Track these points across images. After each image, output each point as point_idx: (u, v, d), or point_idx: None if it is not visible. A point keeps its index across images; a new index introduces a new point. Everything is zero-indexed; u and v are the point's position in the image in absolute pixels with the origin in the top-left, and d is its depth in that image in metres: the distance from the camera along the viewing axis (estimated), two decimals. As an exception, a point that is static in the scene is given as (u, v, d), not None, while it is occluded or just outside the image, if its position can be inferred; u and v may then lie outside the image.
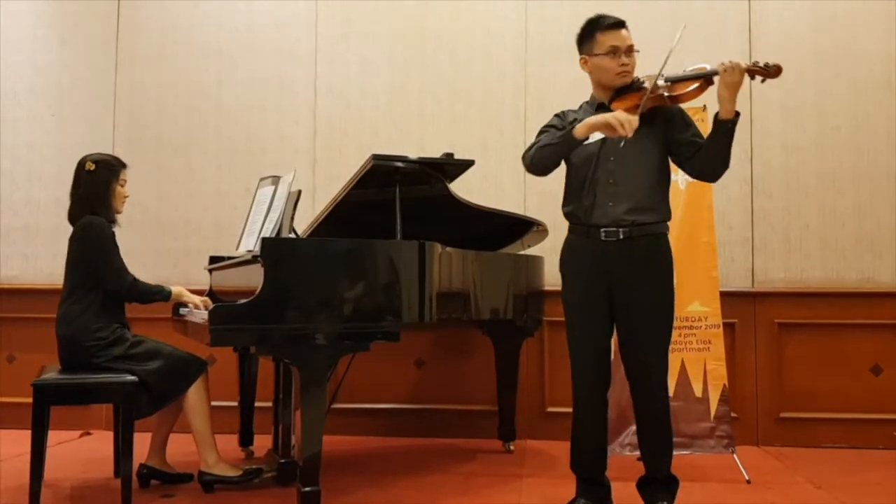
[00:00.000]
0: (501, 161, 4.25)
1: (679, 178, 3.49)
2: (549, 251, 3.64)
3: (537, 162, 2.59)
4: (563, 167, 2.65)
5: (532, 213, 3.85)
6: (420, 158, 3.17)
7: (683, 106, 2.58)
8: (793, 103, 4.14)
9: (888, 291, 4.02)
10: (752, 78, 2.37)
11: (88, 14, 4.63)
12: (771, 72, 2.33)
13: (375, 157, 2.97)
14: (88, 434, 4.28)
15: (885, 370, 3.99)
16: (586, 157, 2.55)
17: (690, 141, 2.54)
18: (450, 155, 3.26)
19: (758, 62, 2.35)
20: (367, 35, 4.46)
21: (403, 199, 3.03)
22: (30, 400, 2.76)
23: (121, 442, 2.88)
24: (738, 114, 2.40)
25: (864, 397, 3.98)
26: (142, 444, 3.00)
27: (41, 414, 2.76)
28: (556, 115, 2.73)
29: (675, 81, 2.48)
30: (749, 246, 4.16)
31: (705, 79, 2.44)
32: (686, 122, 2.58)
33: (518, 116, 4.29)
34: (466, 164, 3.30)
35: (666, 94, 2.47)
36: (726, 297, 3.65)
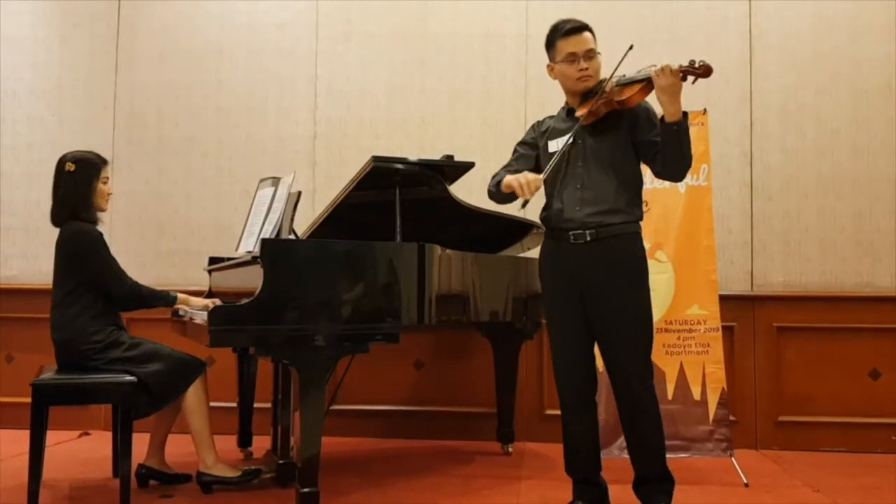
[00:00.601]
0: (501, 163, 4.18)
1: (679, 182, 3.49)
2: (548, 253, 3.63)
3: (494, 200, 2.78)
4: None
5: (531, 215, 3.84)
6: (420, 160, 3.16)
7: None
8: (792, 106, 4.13)
9: (887, 295, 4.03)
10: (684, 79, 2.34)
11: (88, 14, 4.63)
12: (701, 71, 2.30)
13: (375, 158, 2.97)
14: (87, 434, 4.28)
15: (884, 374, 3.99)
16: (556, 163, 2.55)
17: (652, 141, 2.52)
18: (450, 157, 3.25)
19: (693, 61, 2.32)
20: (367, 35, 4.46)
21: (403, 200, 3.03)
22: (28, 400, 2.76)
23: (119, 442, 2.87)
24: (685, 114, 2.39)
25: (862, 401, 3.98)
26: (140, 444, 3.01)
27: (40, 414, 2.75)
28: (532, 127, 2.78)
29: (624, 85, 2.50)
30: (748, 249, 4.16)
31: (647, 81, 2.44)
32: (651, 121, 2.55)
33: (518, 118, 4.28)
34: (466, 166, 3.29)
35: (615, 98, 2.50)
36: (725, 300, 3.66)
